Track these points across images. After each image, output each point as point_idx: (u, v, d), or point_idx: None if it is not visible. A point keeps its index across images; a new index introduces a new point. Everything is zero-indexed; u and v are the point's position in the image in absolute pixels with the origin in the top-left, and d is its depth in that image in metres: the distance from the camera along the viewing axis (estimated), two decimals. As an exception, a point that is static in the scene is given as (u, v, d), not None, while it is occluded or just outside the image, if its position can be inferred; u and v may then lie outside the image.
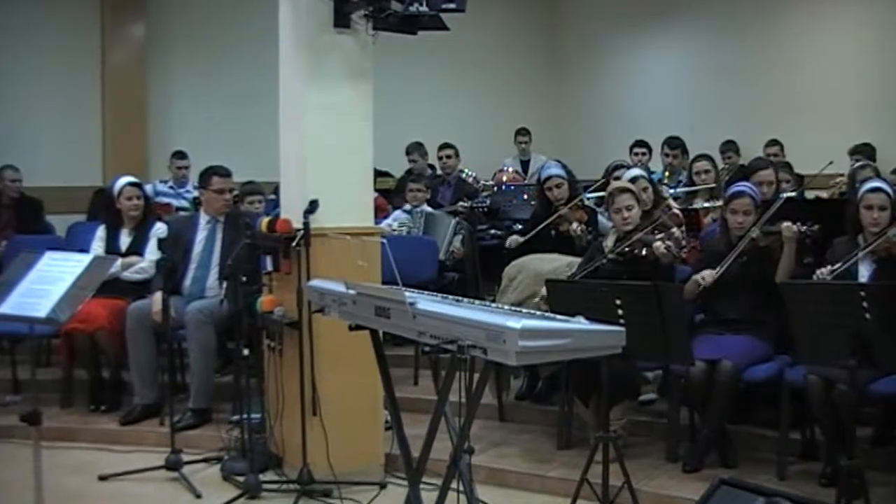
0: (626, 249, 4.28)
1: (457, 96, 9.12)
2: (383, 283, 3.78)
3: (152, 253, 4.96)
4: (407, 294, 2.52)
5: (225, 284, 4.36)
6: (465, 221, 6.39)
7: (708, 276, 4.05)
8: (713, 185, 5.65)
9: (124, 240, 5.13)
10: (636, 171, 5.12)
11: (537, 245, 5.23)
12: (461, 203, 6.64)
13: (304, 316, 3.91)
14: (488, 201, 6.73)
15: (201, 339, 4.65)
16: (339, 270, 3.56)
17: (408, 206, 6.39)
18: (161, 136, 7.71)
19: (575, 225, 5.06)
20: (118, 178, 5.28)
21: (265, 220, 4.14)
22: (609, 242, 4.44)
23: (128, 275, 5.01)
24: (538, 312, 2.53)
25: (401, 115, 8.12)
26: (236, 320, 4.12)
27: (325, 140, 4.02)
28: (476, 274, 6.29)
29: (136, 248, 5.09)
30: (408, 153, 7.58)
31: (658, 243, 4.16)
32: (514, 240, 5.40)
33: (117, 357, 4.93)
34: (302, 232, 3.91)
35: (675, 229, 4.37)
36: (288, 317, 4.00)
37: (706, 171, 5.70)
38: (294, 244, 3.93)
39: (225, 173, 4.93)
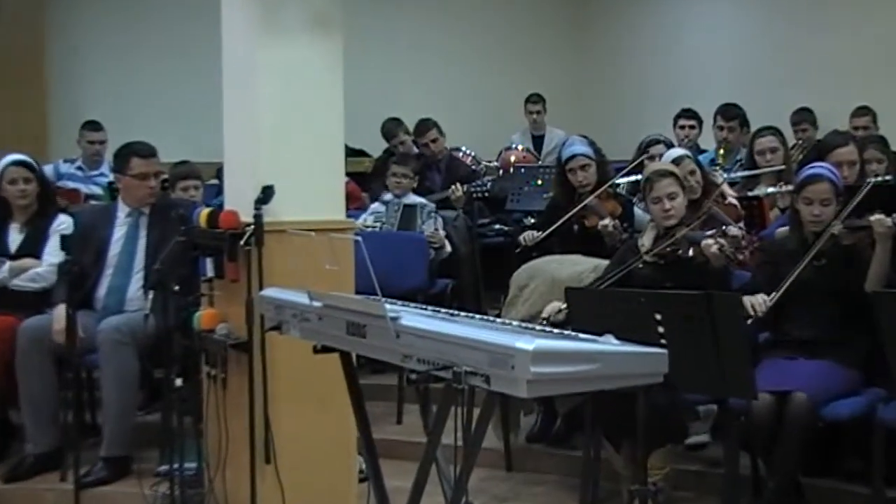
0: (668, 250, 4.31)
1: (450, 56, 9.18)
2: (357, 292, 3.79)
3: (53, 255, 4.95)
4: (388, 307, 2.54)
5: (151, 295, 4.36)
6: (463, 213, 6.42)
7: (759, 304, 4.02)
8: (782, 166, 5.69)
9: (14, 237, 5.12)
10: (679, 151, 5.17)
11: (554, 244, 5.26)
12: (452, 188, 6.65)
13: (256, 335, 3.93)
14: (489, 184, 6.77)
15: (119, 366, 4.65)
16: (302, 276, 3.58)
17: (388, 196, 6.43)
18: (65, 102, 7.72)
19: (607, 220, 5.08)
20: (1, 155, 5.25)
21: (204, 213, 4.15)
22: (646, 241, 4.47)
23: (19, 283, 5.02)
24: (555, 330, 2.56)
25: (379, 78, 8.17)
26: (165, 341, 4.13)
27: (281, 110, 4.04)
28: (476, 281, 6.32)
29: (31, 249, 5.09)
30: (388, 136, 7.60)
31: (709, 241, 4.19)
32: (530, 236, 5.40)
33: (3, 391, 4.88)
34: (252, 227, 3.92)
35: (731, 225, 4.40)
36: (234, 336, 4.02)
37: (772, 150, 5.73)
38: (242, 243, 3.94)
39: (148, 153, 4.93)
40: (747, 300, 4.05)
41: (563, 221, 5.26)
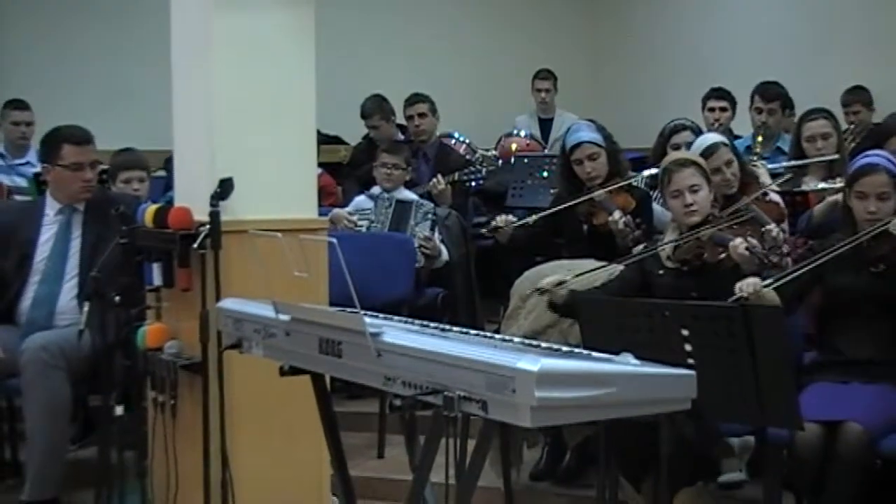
0: (692, 253, 4.31)
1: (441, 27, 9.20)
2: (332, 303, 3.80)
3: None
4: (368, 320, 2.55)
5: (87, 307, 4.35)
6: (452, 209, 6.42)
7: (748, 285, 3.93)
8: (833, 155, 5.70)
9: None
10: (713, 136, 5.15)
11: (562, 248, 5.25)
12: (433, 181, 6.64)
13: (211, 354, 3.93)
14: (483, 171, 6.76)
15: (46, 393, 4.62)
16: (266, 285, 3.56)
17: (377, 189, 6.43)
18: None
19: (616, 215, 5.08)
20: None
21: (151, 210, 4.16)
22: (667, 245, 4.47)
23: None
24: (564, 348, 2.56)
25: (358, 52, 8.17)
26: (103, 362, 4.12)
27: (241, 89, 4.04)
28: (471, 290, 6.32)
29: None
30: (364, 115, 7.60)
31: (736, 241, 4.19)
32: (503, 220, 5.30)
33: None
34: (208, 227, 3.93)
35: (771, 226, 4.40)
36: (185, 356, 4.02)
37: (823, 136, 5.73)
38: (196, 245, 3.95)
39: (82, 139, 4.92)
40: (738, 284, 4.02)
41: (552, 212, 5.24)
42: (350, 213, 6.26)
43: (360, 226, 6.22)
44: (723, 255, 4.26)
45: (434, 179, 6.62)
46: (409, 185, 6.66)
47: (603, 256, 4.96)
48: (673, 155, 4.70)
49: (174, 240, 3.99)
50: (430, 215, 6.19)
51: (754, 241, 4.16)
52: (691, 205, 4.38)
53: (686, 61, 8.87)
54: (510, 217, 5.38)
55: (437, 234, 6.16)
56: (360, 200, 6.43)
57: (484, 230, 5.37)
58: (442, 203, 6.55)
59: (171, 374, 4.04)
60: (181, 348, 4.04)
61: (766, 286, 3.97)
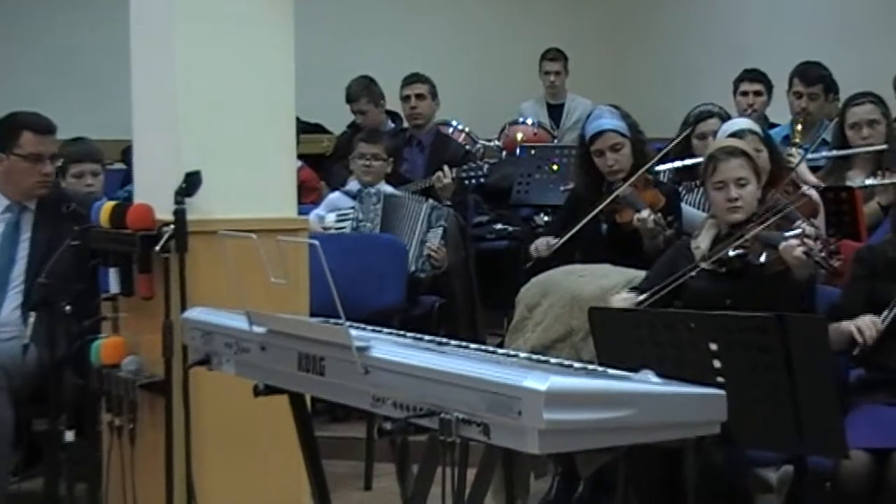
0: (734, 254, 4.30)
1: (437, 3, 9.18)
2: (313, 313, 3.79)
3: None
4: (354, 332, 2.55)
5: (32, 318, 4.35)
6: (451, 208, 6.41)
7: (868, 328, 4.00)
8: (882, 146, 5.70)
9: None
10: (741, 122, 5.16)
11: (575, 250, 5.25)
12: (438, 174, 6.64)
13: (176, 372, 3.93)
14: (486, 168, 6.76)
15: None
16: (238, 293, 3.55)
17: (354, 185, 6.42)
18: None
19: (645, 213, 5.08)
20: None
21: (107, 208, 4.15)
22: (703, 243, 4.47)
23: None
24: (577, 364, 2.56)
25: (343, 31, 8.17)
26: (52, 381, 4.11)
27: (210, 71, 4.05)
28: (471, 298, 6.32)
29: None
30: (350, 99, 7.61)
31: (792, 241, 4.18)
32: (543, 244, 5.38)
33: None
34: (172, 227, 3.93)
35: (802, 223, 4.39)
36: (146, 374, 4.02)
37: (870, 123, 5.74)
38: (158, 248, 3.95)
39: (45, 128, 4.91)
40: (849, 323, 4.05)
41: (588, 220, 5.23)
42: (321, 216, 6.22)
43: (341, 225, 6.20)
44: (768, 258, 4.25)
45: (440, 172, 6.61)
46: (401, 179, 6.65)
47: (622, 260, 4.96)
48: (723, 142, 4.69)
49: (133, 241, 3.98)
50: (442, 221, 6.17)
51: (812, 244, 4.16)
52: (736, 200, 4.38)
53: (716, 39, 8.89)
54: (550, 240, 5.36)
55: (444, 243, 6.14)
56: (335, 198, 6.42)
57: (528, 264, 5.36)
58: (443, 199, 6.54)
59: (130, 395, 4.03)
60: (141, 365, 4.04)
61: (883, 322, 3.99)
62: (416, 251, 6.04)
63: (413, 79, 7.43)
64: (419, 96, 7.34)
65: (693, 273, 4.37)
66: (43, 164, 4.86)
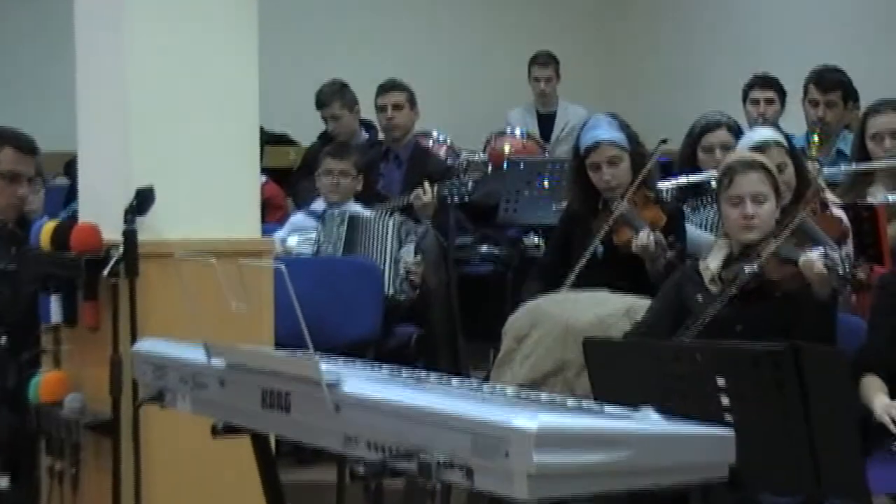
0: (750, 271, 4.29)
1: (416, 3, 9.19)
2: (279, 344, 3.79)
3: None
4: (324, 366, 2.54)
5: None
6: (434, 227, 6.41)
7: None
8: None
9: None
10: (765, 132, 5.15)
11: (569, 274, 5.25)
12: (418, 190, 6.62)
13: (125, 410, 3.92)
14: (469, 184, 6.74)
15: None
16: (196, 322, 3.54)
17: (320, 204, 6.43)
18: None
19: (644, 234, 5.08)
20: None
21: (48, 228, 4.16)
22: (713, 264, 4.46)
23: None
24: (570, 401, 2.56)
25: (311, 33, 8.17)
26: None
27: (165, 74, 4.05)
28: (453, 328, 6.31)
29: None
30: (321, 104, 7.60)
31: (812, 255, 4.18)
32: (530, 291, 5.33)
33: None
34: (122, 250, 3.93)
35: (828, 248, 4.39)
36: (92, 413, 4.01)
37: (893, 133, 5.76)
38: (106, 273, 3.94)
39: (27, 147, 4.92)
40: (882, 411, 4.02)
41: (583, 242, 5.22)
42: (283, 239, 6.20)
43: (302, 248, 6.19)
44: (784, 275, 4.25)
45: (419, 189, 6.58)
46: (377, 197, 6.64)
47: (620, 285, 4.96)
48: (741, 154, 4.69)
49: (78, 265, 3.98)
50: (412, 236, 6.17)
51: (835, 255, 4.16)
52: (752, 217, 4.37)
53: (723, 40, 8.90)
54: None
55: (420, 258, 6.13)
56: (299, 219, 6.43)
57: (516, 299, 5.38)
58: (423, 218, 6.53)
59: (73, 436, 4.02)
60: (85, 403, 4.03)
61: None
62: (391, 272, 6.02)
63: (389, 86, 7.36)
64: (397, 106, 7.28)
65: (700, 297, 4.37)
66: (19, 184, 4.87)
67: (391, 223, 6.17)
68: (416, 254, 6.11)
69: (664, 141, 5.57)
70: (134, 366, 3.28)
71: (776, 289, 4.29)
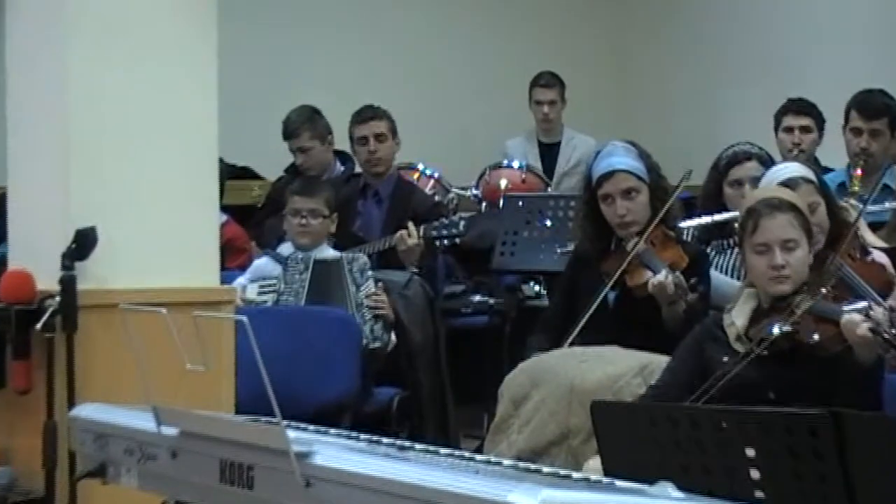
0: (781, 330, 4.28)
1: (398, 19, 9.29)
2: (240, 409, 3.82)
3: None
4: (292, 434, 2.54)
5: None
6: (420, 275, 6.41)
7: None
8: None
9: None
10: (792, 167, 5.16)
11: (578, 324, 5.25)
12: (401, 233, 6.61)
13: (61, 486, 3.93)
14: (461, 224, 6.74)
15: None
16: (143, 384, 3.53)
17: (287, 247, 6.44)
18: None
19: (663, 274, 5.06)
20: None
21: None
22: (739, 319, 4.46)
23: None
24: (575, 474, 2.55)
25: (278, 55, 8.21)
26: None
27: (111, 104, 4.10)
28: (442, 389, 6.31)
29: None
30: (289, 135, 7.59)
31: (854, 316, 4.16)
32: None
33: None
34: (58, 300, 3.95)
35: (870, 301, 4.39)
36: (22, 488, 4.03)
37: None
38: (40, 327, 3.97)
39: None
40: None
41: (601, 296, 5.21)
42: (243, 286, 6.19)
43: (262, 299, 6.18)
44: (823, 336, 4.24)
45: (403, 231, 6.57)
46: (354, 239, 6.64)
47: (634, 335, 4.95)
48: (766, 191, 4.67)
49: (7, 318, 4.01)
50: (367, 269, 6.19)
51: (880, 318, 4.13)
52: (782, 267, 4.35)
53: (751, 61, 8.95)
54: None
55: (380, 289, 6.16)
56: (262, 265, 6.42)
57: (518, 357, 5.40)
58: (408, 264, 6.53)
59: (1, 516, 4.01)
60: (15, 477, 4.05)
61: None
62: (358, 320, 6.02)
63: (369, 114, 7.35)
64: (379, 136, 7.28)
65: (725, 358, 4.35)
66: None
67: (342, 263, 6.19)
68: (376, 286, 6.14)
69: (689, 173, 5.57)
70: (71, 434, 3.27)
71: (813, 351, 4.27)
